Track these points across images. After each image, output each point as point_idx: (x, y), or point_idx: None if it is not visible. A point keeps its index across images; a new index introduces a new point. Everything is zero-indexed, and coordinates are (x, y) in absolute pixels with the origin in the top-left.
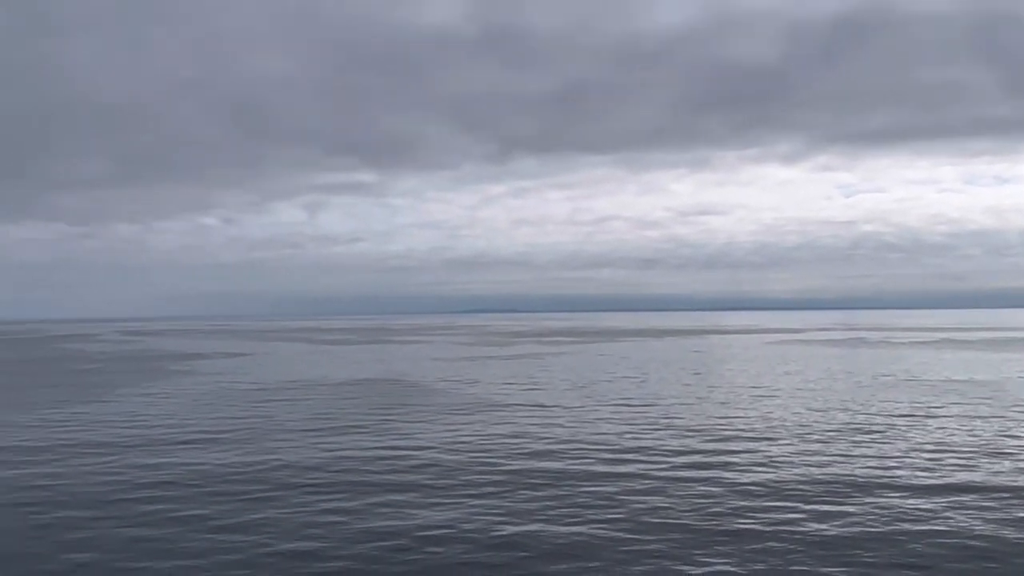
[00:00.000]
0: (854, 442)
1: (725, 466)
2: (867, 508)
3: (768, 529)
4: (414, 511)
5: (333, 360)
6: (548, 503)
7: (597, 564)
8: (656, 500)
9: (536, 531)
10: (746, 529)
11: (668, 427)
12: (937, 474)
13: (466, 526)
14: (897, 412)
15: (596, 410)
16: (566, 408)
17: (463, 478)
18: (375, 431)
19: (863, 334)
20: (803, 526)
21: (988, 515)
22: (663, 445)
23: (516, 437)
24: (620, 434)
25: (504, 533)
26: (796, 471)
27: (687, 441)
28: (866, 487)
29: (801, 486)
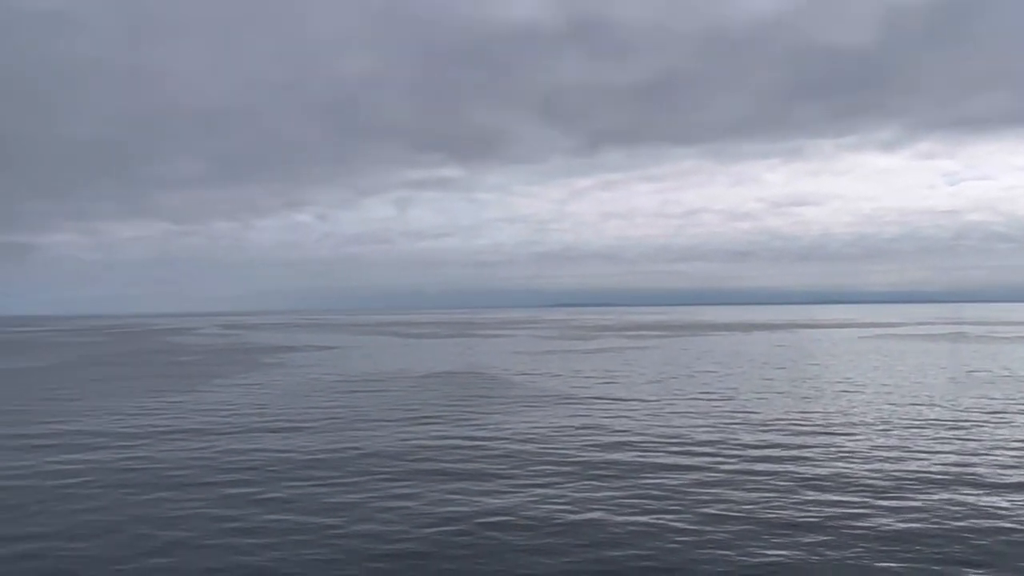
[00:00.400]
0: (936, 438)
1: (798, 460)
2: (940, 504)
3: (835, 522)
4: (480, 498)
5: (418, 353)
6: (612, 493)
7: (654, 552)
8: (722, 492)
9: (597, 519)
10: (811, 521)
11: (744, 421)
12: (1021, 472)
13: (528, 513)
14: (988, 409)
15: (673, 404)
16: (642, 401)
17: (531, 467)
18: (451, 421)
19: (965, 328)
20: (871, 520)
21: None
22: (737, 439)
23: (588, 429)
24: (694, 427)
25: (565, 520)
26: (871, 466)
27: (762, 435)
28: (943, 483)
29: (874, 480)
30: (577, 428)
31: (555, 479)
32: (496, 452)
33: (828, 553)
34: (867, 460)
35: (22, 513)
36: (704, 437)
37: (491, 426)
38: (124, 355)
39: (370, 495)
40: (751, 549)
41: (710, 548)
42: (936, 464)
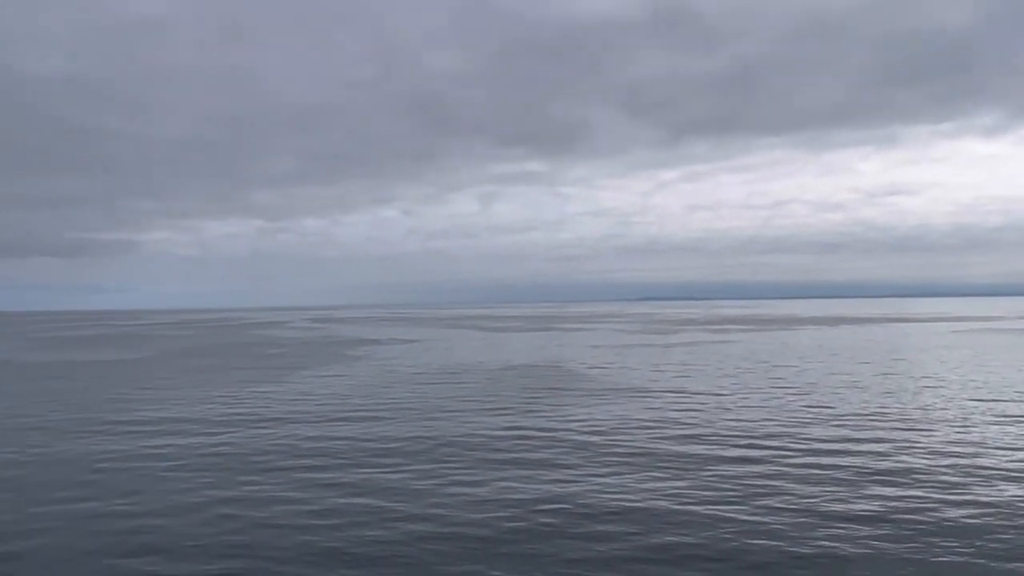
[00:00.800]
0: (1019, 435)
1: (868, 454)
2: (1011, 500)
3: (896, 516)
4: (542, 485)
5: (497, 346)
6: (673, 483)
7: (707, 540)
8: (785, 484)
9: (654, 508)
10: (872, 515)
11: (818, 415)
12: None
13: (586, 501)
14: None
15: (747, 398)
16: (716, 395)
17: (596, 458)
18: (522, 412)
19: None
20: (934, 514)
21: None
22: (808, 433)
23: (658, 421)
24: (765, 421)
25: (621, 508)
26: (944, 461)
27: (835, 430)
28: (1017, 479)
29: (945, 475)
30: (646, 420)
31: (618, 469)
32: (563, 442)
33: (885, 546)
34: (940, 455)
35: (118, 492)
36: (774, 431)
37: (561, 417)
38: (216, 347)
39: (436, 481)
40: (806, 540)
41: (764, 538)
42: (1013, 461)
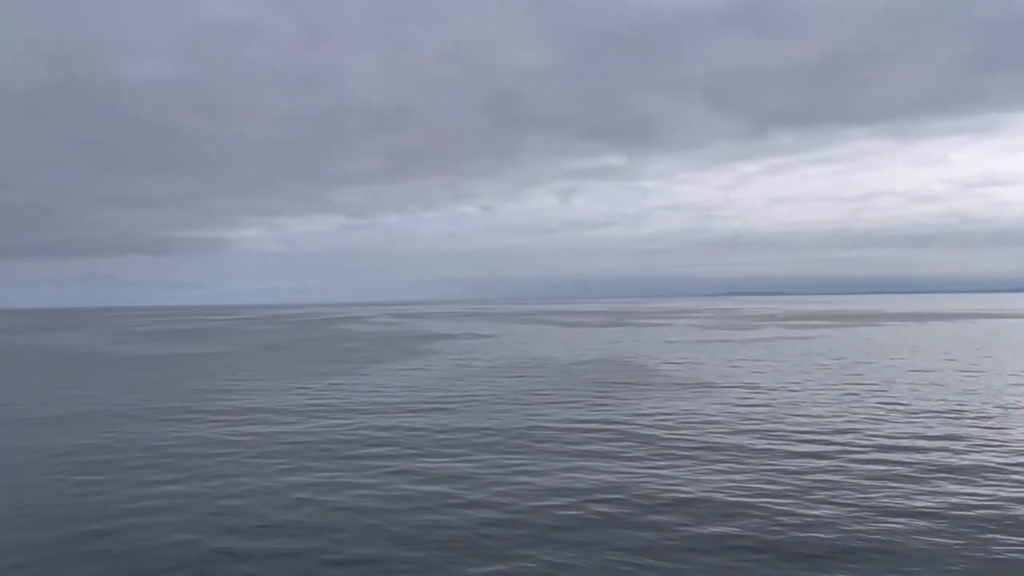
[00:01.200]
0: None
1: (938, 450)
2: None
3: (961, 512)
4: (599, 475)
5: (570, 341)
6: (732, 475)
7: (756, 532)
8: (847, 479)
9: (710, 498)
10: (935, 510)
11: (892, 411)
12: None
13: (642, 491)
14: None
15: (819, 393)
16: (788, 390)
17: (655, 449)
18: (588, 405)
19: None
20: (1000, 510)
21: None
22: (878, 429)
23: (724, 415)
24: (834, 416)
25: (676, 498)
26: (1019, 459)
27: (905, 426)
28: None
29: (1017, 474)
30: (713, 415)
31: (678, 461)
32: (627, 435)
33: (944, 541)
34: (1015, 454)
35: (200, 475)
36: (844, 427)
37: (627, 411)
38: (298, 341)
39: (500, 470)
40: (863, 534)
41: (819, 531)
42: None
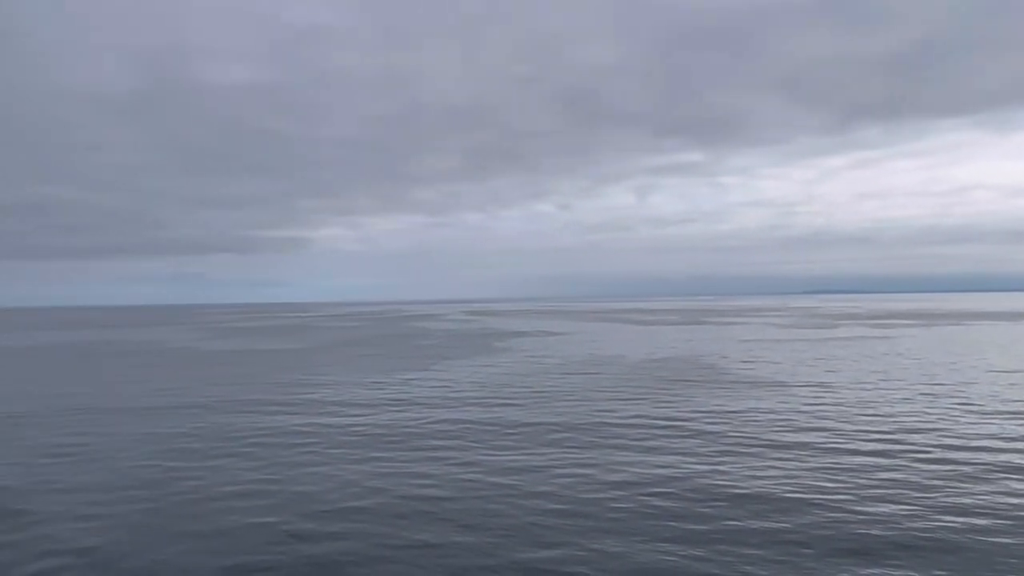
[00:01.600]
0: None
1: (1009, 451)
2: None
3: (1021, 512)
4: (653, 469)
5: (642, 339)
6: (790, 470)
7: (808, 526)
8: (909, 477)
9: (761, 493)
10: (996, 509)
11: (965, 412)
12: None
13: (695, 485)
14: None
15: (892, 393)
16: (859, 390)
17: (712, 445)
18: (652, 401)
19: None
20: None
21: None
22: (948, 429)
23: (787, 412)
24: (904, 416)
25: (726, 492)
26: None
27: (977, 427)
28: None
29: None
30: (778, 412)
31: (738, 456)
32: (687, 431)
33: (1004, 540)
34: None
35: (272, 461)
36: (913, 426)
37: (691, 407)
38: (374, 338)
39: (557, 462)
40: (919, 530)
41: (874, 526)
42: None
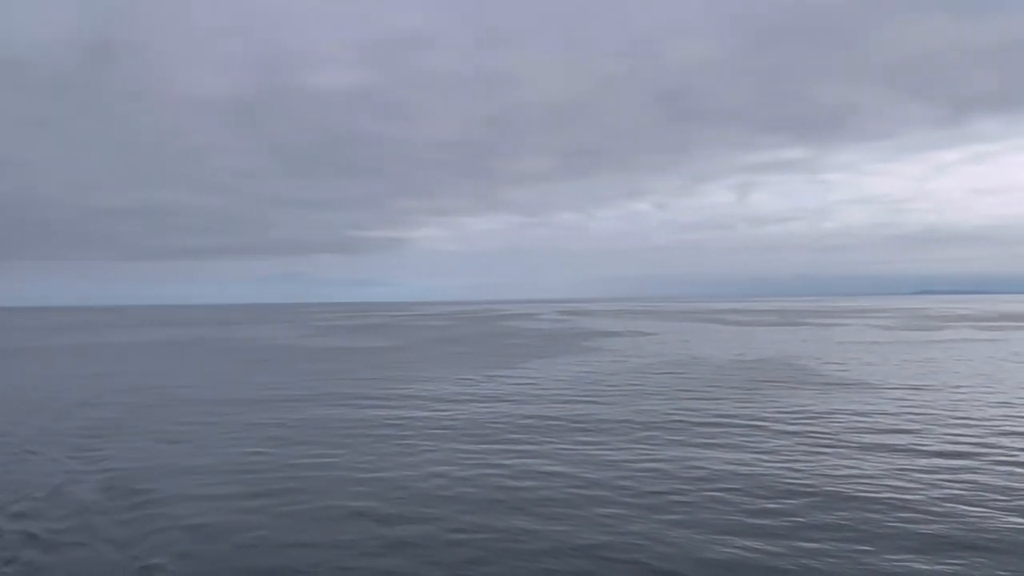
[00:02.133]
0: None
1: None
2: None
3: None
4: (722, 464)
5: (735, 340)
6: (857, 469)
7: (866, 521)
8: (985, 479)
9: (828, 489)
10: None
11: None
12: None
13: (761, 479)
14: None
15: (987, 395)
16: (954, 393)
17: (789, 443)
18: (734, 401)
19: None
20: None
21: None
22: None
23: (871, 413)
24: (993, 420)
25: (791, 487)
26: None
27: None
28: None
29: None
30: (862, 413)
31: (813, 455)
32: (767, 430)
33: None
34: None
35: (358, 450)
36: (1005, 429)
37: (772, 407)
38: (465, 337)
39: (628, 455)
40: (986, 528)
41: (939, 523)
42: None
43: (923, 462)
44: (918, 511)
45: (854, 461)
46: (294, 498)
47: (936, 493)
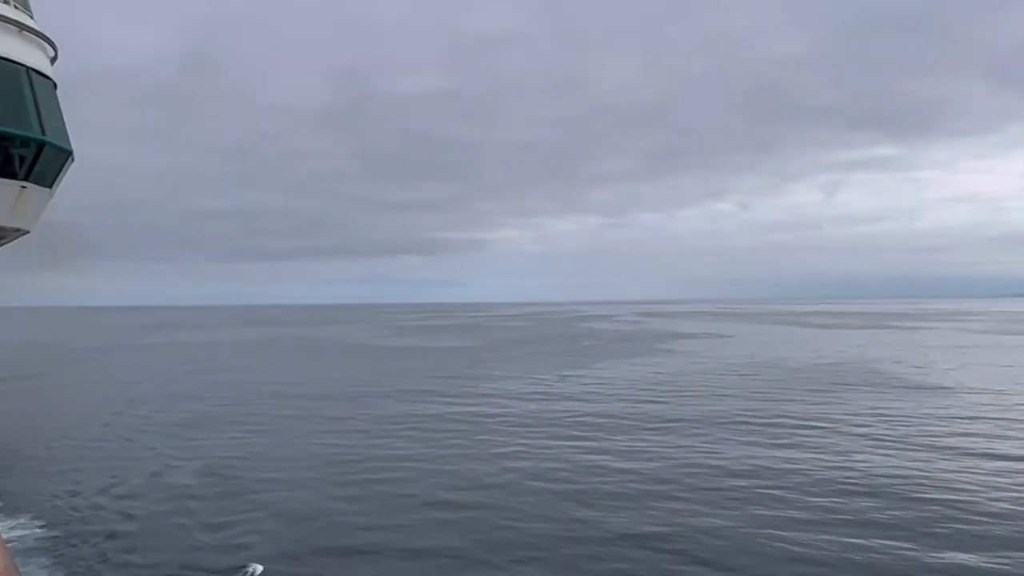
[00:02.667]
0: None
1: None
2: None
3: None
4: (778, 463)
5: (813, 342)
6: (912, 468)
7: (918, 518)
8: None
9: (877, 486)
10: None
11: None
12: None
13: (812, 476)
14: None
15: None
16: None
17: (844, 443)
18: (798, 402)
19: None
20: None
21: None
22: None
23: (938, 417)
24: None
25: (832, 481)
26: None
27: None
28: None
29: None
30: (931, 416)
31: (870, 454)
32: (819, 428)
33: None
34: None
35: (422, 441)
36: None
37: (841, 409)
38: (540, 337)
39: (681, 451)
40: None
41: (997, 521)
42: None
43: (984, 465)
44: (977, 512)
45: (911, 461)
46: (372, 488)
47: (992, 494)
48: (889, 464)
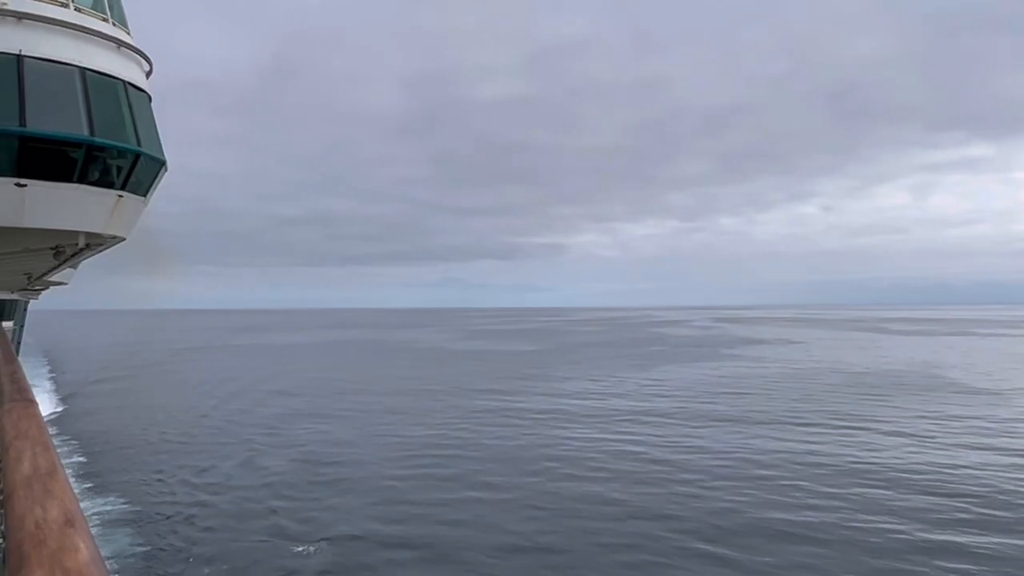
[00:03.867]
0: None
1: None
2: None
3: None
4: (819, 456)
5: (884, 349)
6: (948, 467)
7: (951, 511)
8: None
9: (942, 485)
10: None
11: None
12: None
13: (854, 469)
14: None
15: None
16: None
17: (884, 441)
18: (849, 404)
19: None
20: None
21: None
22: None
23: (988, 421)
24: None
25: (877, 478)
26: None
27: None
28: None
29: None
30: (983, 422)
31: (905, 452)
32: (873, 431)
33: None
34: None
35: (486, 434)
36: None
37: (889, 412)
38: (608, 343)
39: (724, 445)
40: None
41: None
42: None
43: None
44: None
45: (949, 460)
46: (448, 483)
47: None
48: (921, 462)
